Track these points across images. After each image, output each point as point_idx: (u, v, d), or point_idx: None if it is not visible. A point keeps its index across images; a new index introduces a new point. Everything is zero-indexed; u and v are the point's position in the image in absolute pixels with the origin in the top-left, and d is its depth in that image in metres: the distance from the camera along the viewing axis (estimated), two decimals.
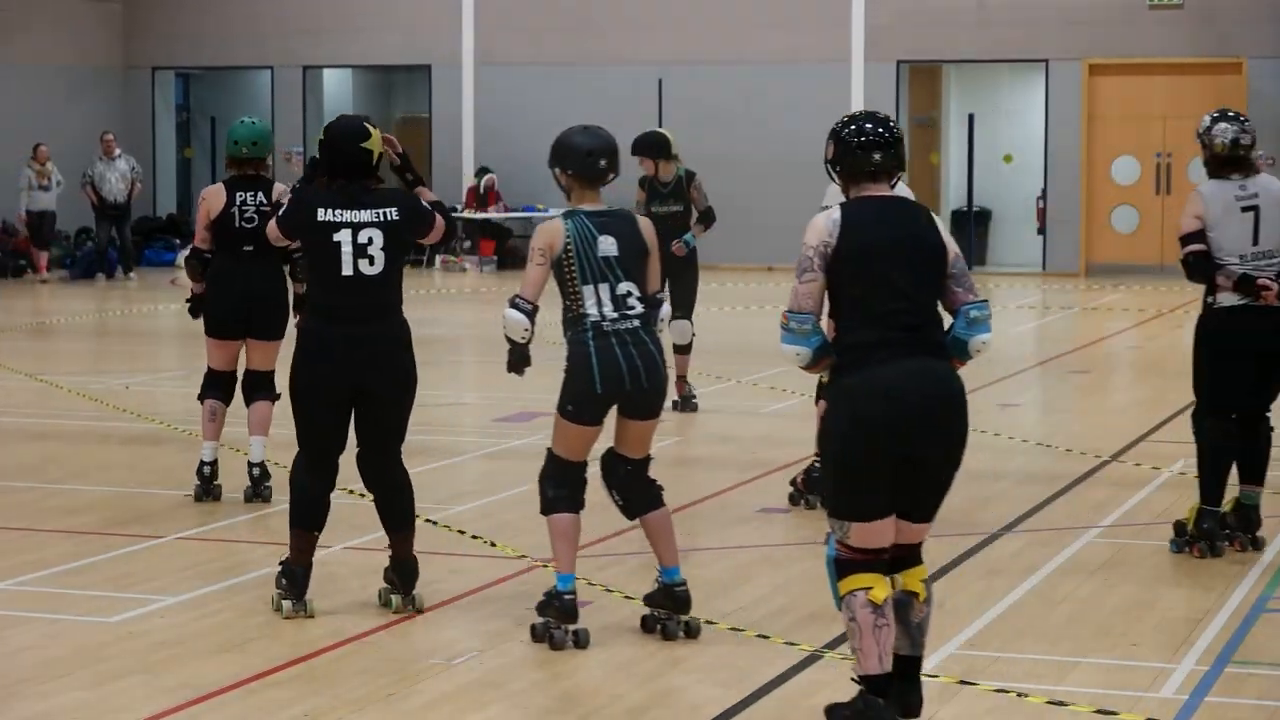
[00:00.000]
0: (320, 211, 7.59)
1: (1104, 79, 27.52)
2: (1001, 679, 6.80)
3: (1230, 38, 26.91)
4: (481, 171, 29.13)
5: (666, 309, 7.38)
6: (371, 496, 8.06)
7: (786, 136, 28.34)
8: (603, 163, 7.37)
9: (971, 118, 29.20)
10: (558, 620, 7.25)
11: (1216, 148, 8.85)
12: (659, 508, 7.51)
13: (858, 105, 28.24)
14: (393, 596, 7.79)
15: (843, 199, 6.21)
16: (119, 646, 7.24)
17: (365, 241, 7.56)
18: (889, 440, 5.90)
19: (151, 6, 30.99)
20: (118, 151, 26.82)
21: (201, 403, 10.32)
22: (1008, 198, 29.63)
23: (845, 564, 5.98)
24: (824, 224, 6.02)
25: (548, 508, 7.40)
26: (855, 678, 6.04)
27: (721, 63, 28.56)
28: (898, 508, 6.02)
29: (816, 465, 9.67)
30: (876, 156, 6.10)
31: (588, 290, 7.26)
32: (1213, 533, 8.92)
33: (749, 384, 15.22)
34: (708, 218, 13.41)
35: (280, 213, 7.84)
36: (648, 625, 7.46)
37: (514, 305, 7.32)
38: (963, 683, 6.74)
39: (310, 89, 30.85)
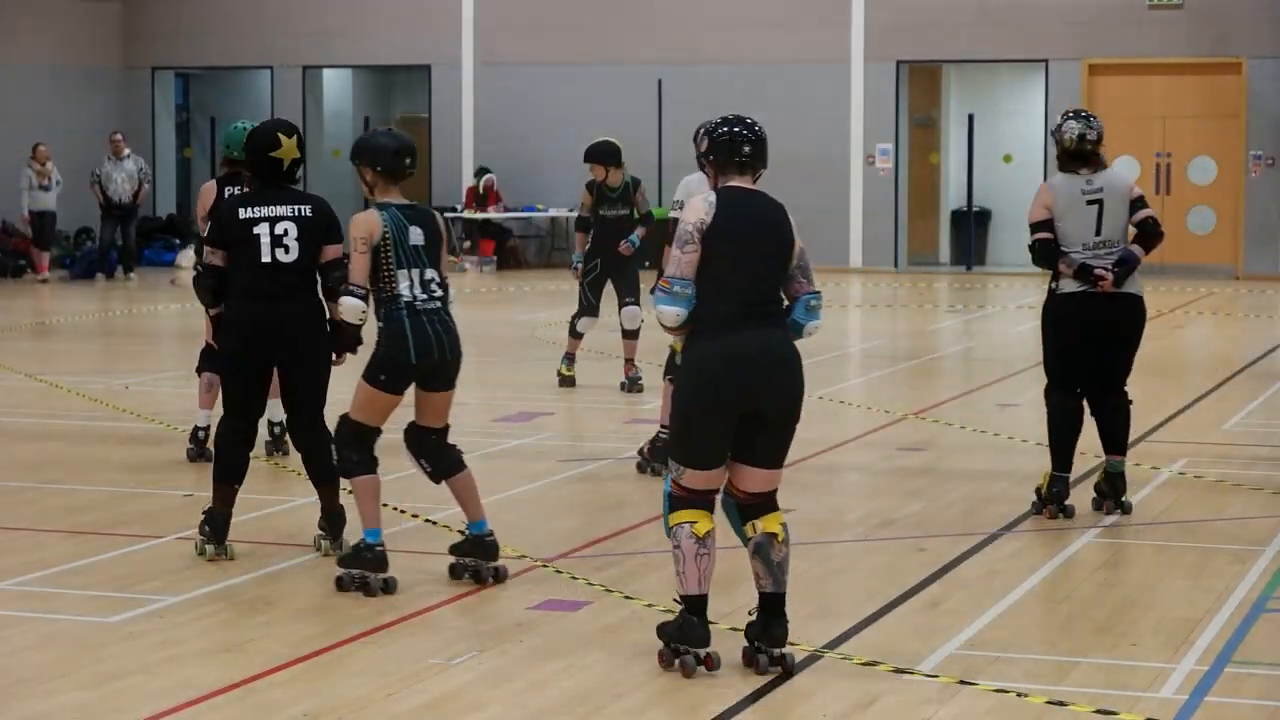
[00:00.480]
0: (241, 211, 8.62)
1: (1104, 79, 27.52)
2: (1001, 679, 6.80)
3: (1230, 38, 26.91)
4: (481, 171, 29.13)
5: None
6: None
7: (786, 136, 28.30)
8: (407, 161, 8.30)
9: (971, 118, 29.21)
10: (371, 570, 8.06)
11: (1065, 143, 9.71)
12: (463, 470, 8.39)
13: (858, 105, 28.28)
14: (323, 542, 8.85)
15: (702, 192, 7.02)
16: (119, 646, 7.24)
17: (281, 233, 8.58)
18: (731, 397, 6.77)
19: (151, 6, 31.00)
20: (127, 152, 26.80)
21: (199, 375, 11.13)
22: (1008, 198, 29.61)
23: (678, 500, 6.89)
24: (701, 204, 6.85)
25: (350, 470, 8.25)
26: (677, 598, 6.95)
27: (721, 63, 28.57)
28: (747, 458, 6.90)
29: (662, 436, 10.52)
30: (746, 149, 6.92)
31: (402, 274, 8.11)
32: (1061, 495, 9.70)
33: None
34: (647, 220, 14.58)
35: (206, 234, 8.90)
36: (455, 573, 8.28)
37: (348, 293, 8.18)
38: (962, 683, 6.74)
39: (310, 89, 30.86)
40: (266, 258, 8.55)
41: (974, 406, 14.00)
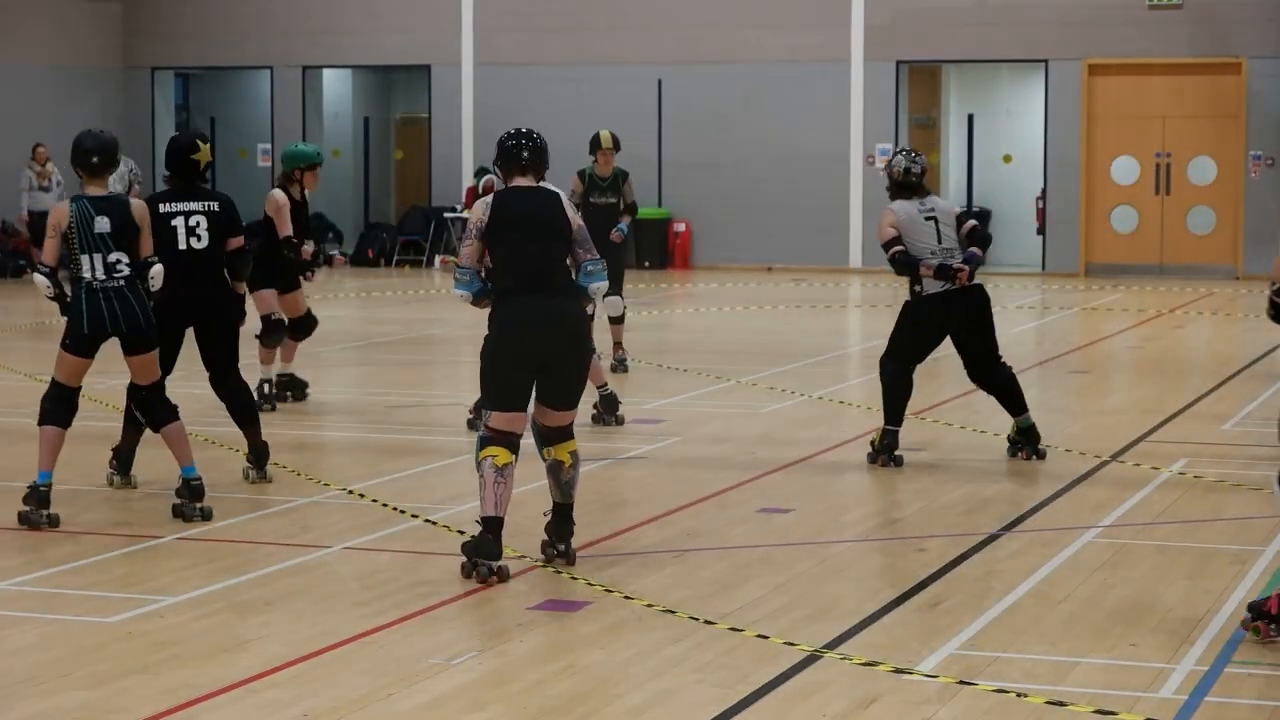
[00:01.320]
0: (161, 206, 10.31)
1: (1104, 79, 27.53)
2: (1001, 679, 6.80)
3: (1230, 38, 26.92)
4: (480, 172, 29.12)
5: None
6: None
7: (786, 136, 28.35)
8: (95, 160, 9.62)
9: (971, 118, 29.23)
10: (35, 507, 9.45)
11: (895, 175, 11.47)
12: (176, 420, 9.82)
13: (858, 105, 28.28)
14: (251, 472, 10.64)
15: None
16: (119, 646, 7.24)
17: (194, 225, 10.33)
18: (519, 351, 8.37)
19: (151, 6, 31.00)
20: None
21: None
22: (1007, 198, 29.65)
23: (486, 440, 8.36)
24: (480, 207, 8.47)
25: (43, 419, 9.69)
26: (478, 520, 8.35)
27: (721, 63, 28.58)
28: (544, 400, 8.48)
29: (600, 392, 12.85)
30: (525, 155, 8.51)
31: (84, 258, 9.50)
32: (892, 446, 11.34)
33: (749, 384, 15.22)
34: (633, 210, 15.52)
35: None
36: (175, 512, 9.62)
37: (36, 270, 9.66)
38: (962, 683, 6.74)
39: (310, 89, 30.87)
40: (182, 245, 10.30)
41: (974, 406, 14.00)
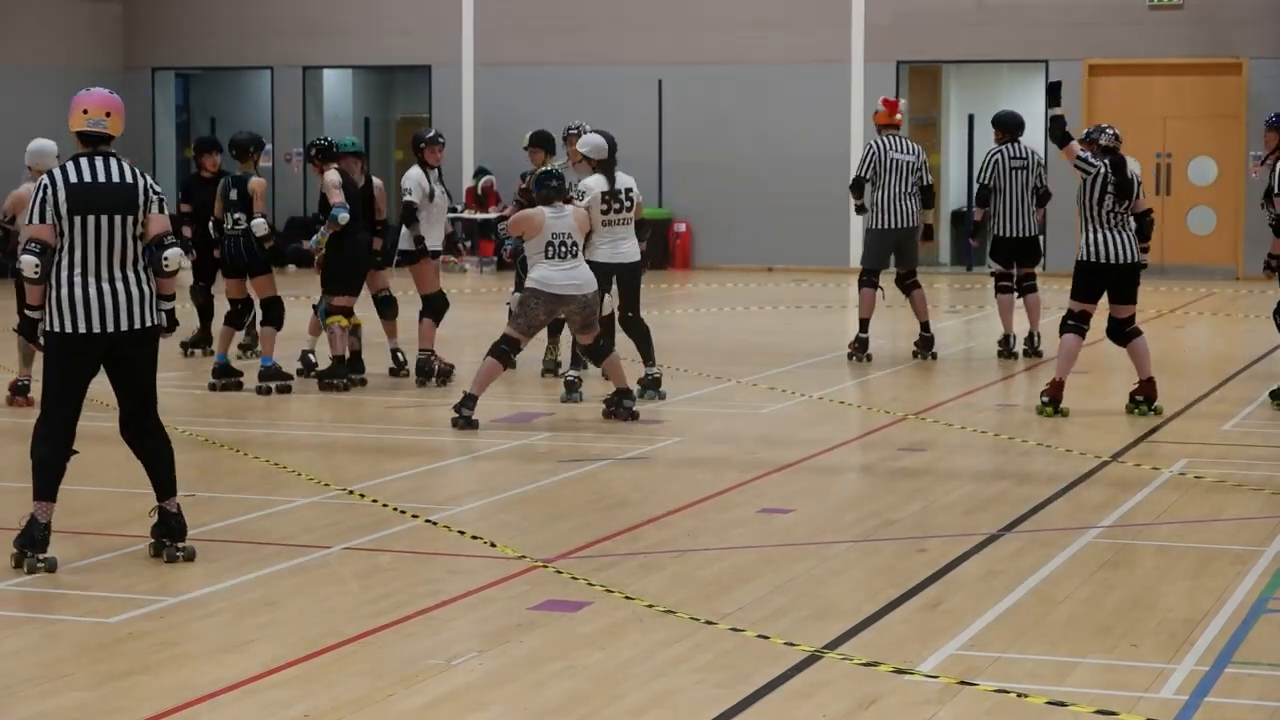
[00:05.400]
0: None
1: (1104, 79, 27.52)
2: (1001, 679, 6.80)
3: (1230, 38, 26.91)
4: (480, 172, 29.14)
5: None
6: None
7: (786, 136, 28.35)
8: (234, 151, 12.70)
9: (971, 118, 29.21)
10: None
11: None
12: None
13: (858, 105, 28.27)
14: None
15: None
16: (119, 646, 7.24)
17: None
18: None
19: (151, 6, 31.00)
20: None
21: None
22: None
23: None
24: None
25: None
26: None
27: (721, 63, 28.57)
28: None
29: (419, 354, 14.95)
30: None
31: (227, 215, 13.14)
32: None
33: (749, 384, 15.22)
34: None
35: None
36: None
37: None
38: (962, 683, 6.74)
39: (310, 89, 30.86)
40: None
41: (974, 407, 14.00)
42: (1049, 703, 6.51)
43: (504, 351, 12.92)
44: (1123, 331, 13.38)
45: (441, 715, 6.43)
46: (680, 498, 10.33)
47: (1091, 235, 13.23)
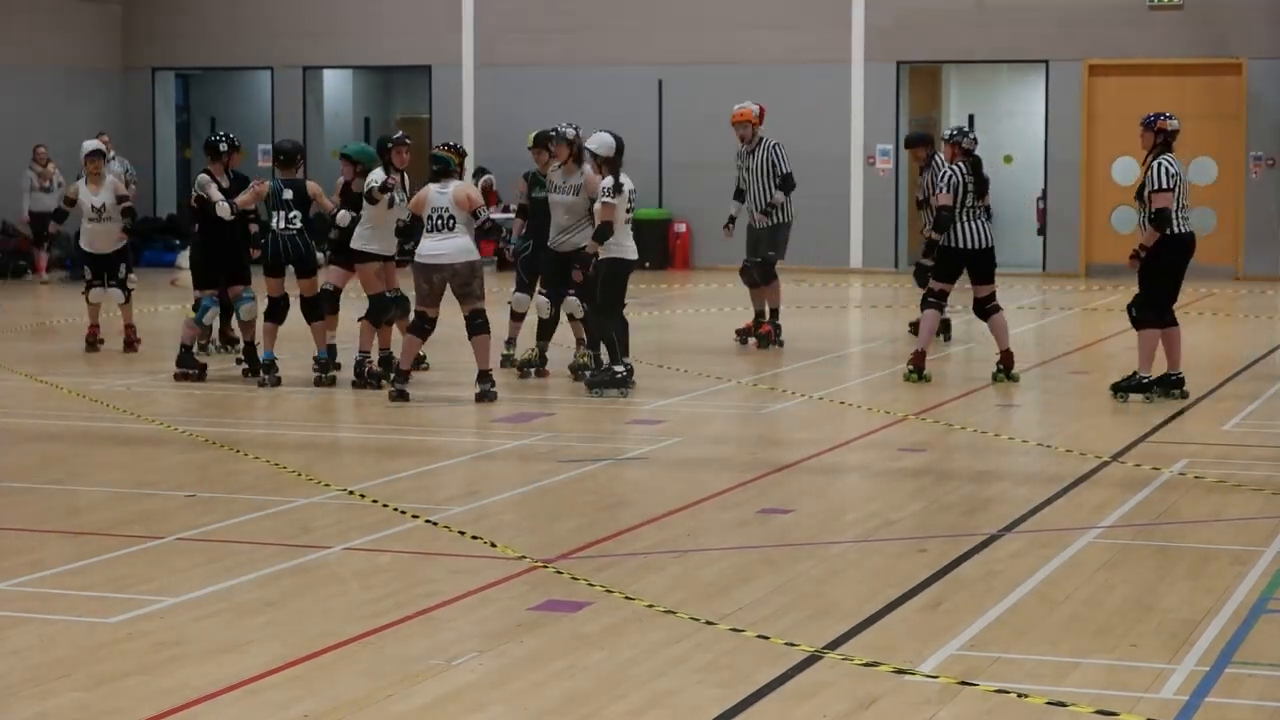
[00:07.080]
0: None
1: (1104, 79, 27.52)
2: (1001, 679, 6.80)
3: (1230, 38, 26.91)
4: (480, 172, 29.11)
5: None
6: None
7: (787, 137, 28.27)
8: (282, 156, 12.56)
9: (971, 118, 29.19)
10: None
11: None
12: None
13: (858, 105, 28.27)
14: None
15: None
16: (119, 646, 7.24)
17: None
18: None
19: (151, 6, 30.99)
20: (111, 153, 26.75)
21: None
22: (1008, 198, 29.61)
23: None
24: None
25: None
26: None
27: (721, 63, 28.56)
28: None
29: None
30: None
31: (274, 214, 12.81)
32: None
33: (749, 384, 15.22)
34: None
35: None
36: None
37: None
38: (963, 683, 6.73)
39: (310, 89, 30.85)
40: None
41: (974, 406, 14.00)
42: (1049, 703, 6.51)
43: (417, 324, 14.09)
44: (984, 308, 15.14)
45: (441, 715, 6.43)
46: (680, 498, 10.33)
47: (955, 225, 15.10)
